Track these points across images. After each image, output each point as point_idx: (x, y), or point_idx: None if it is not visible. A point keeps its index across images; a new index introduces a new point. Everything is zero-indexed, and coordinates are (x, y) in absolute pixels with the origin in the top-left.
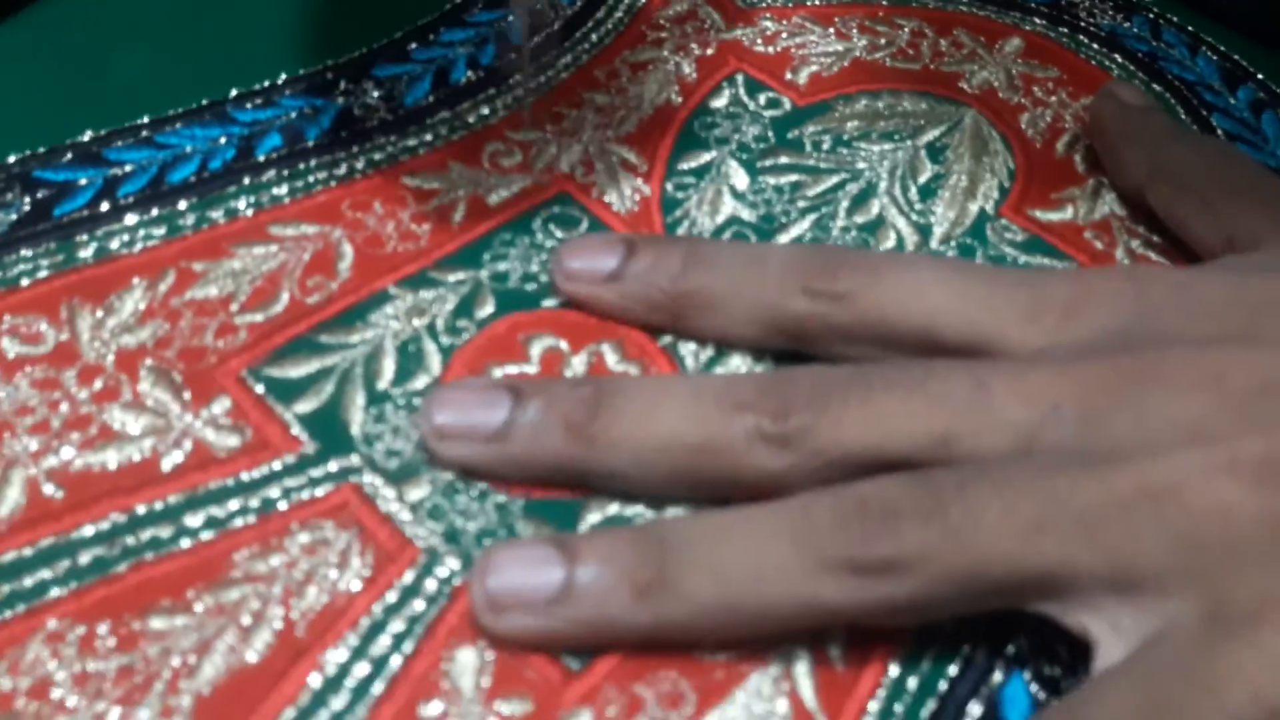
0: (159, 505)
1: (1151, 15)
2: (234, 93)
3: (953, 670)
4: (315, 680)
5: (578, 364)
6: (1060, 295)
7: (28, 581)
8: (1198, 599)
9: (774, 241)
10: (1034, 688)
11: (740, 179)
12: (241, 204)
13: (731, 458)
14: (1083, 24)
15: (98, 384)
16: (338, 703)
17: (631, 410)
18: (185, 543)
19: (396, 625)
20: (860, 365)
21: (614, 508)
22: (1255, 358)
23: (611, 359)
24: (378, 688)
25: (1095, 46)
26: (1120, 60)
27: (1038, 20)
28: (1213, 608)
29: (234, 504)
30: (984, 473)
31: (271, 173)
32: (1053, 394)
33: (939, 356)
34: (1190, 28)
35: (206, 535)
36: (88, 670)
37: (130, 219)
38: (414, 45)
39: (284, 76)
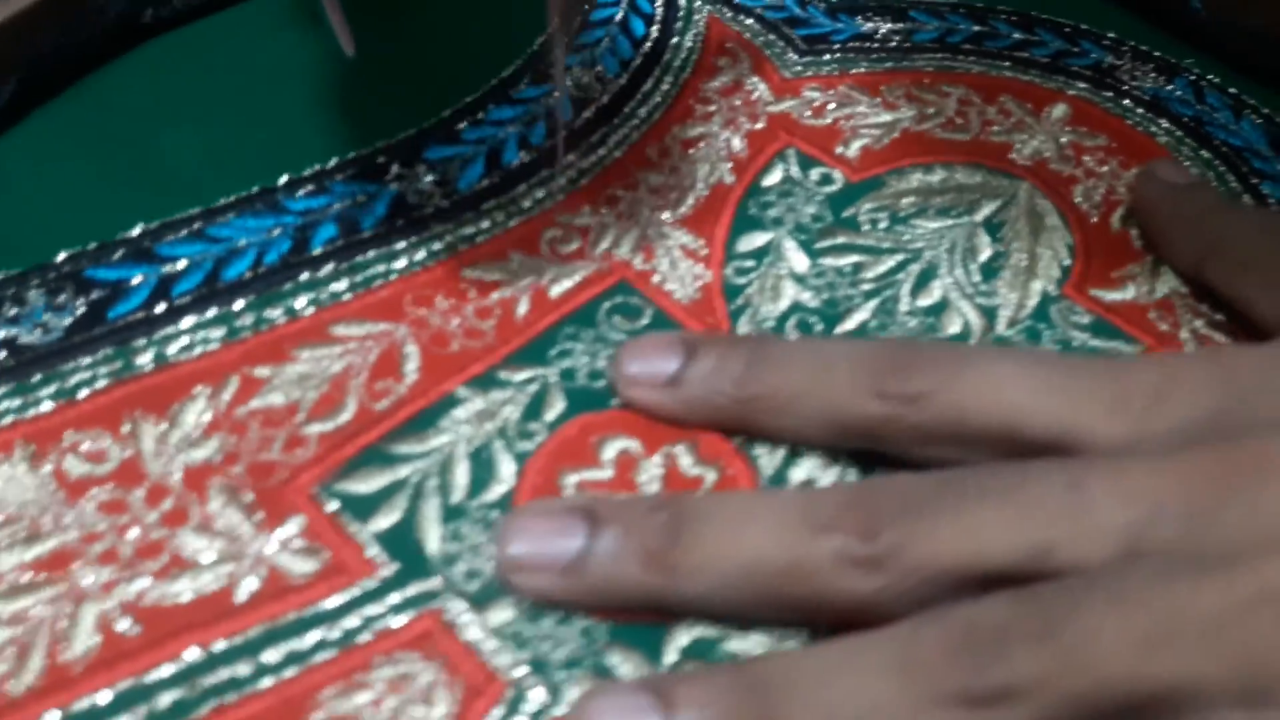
0: (237, 640)
1: (1193, 77)
2: (284, 179)
3: None
4: None
5: (652, 467)
6: (1144, 384)
7: None
8: None
9: (838, 334)
10: None
11: (800, 261)
12: (300, 302)
13: (819, 581)
14: (1125, 88)
15: (167, 504)
16: None
17: (712, 536)
18: (266, 681)
19: None
20: (947, 473)
21: (700, 629)
22: None
23: (685, 461)
24: None
25: (1140, 112)
26: (1166, 126)
27: (1081, 84)
28: None
29: (314, 636)
30: (1094, 586)
31: (329, 266)
32: (1154, 492)
33: (1023, 454)
34: (1232, 90)
35: (288, 672)
36: None
37: (187, 321)
38: (463, 125)
39: (335, 160)
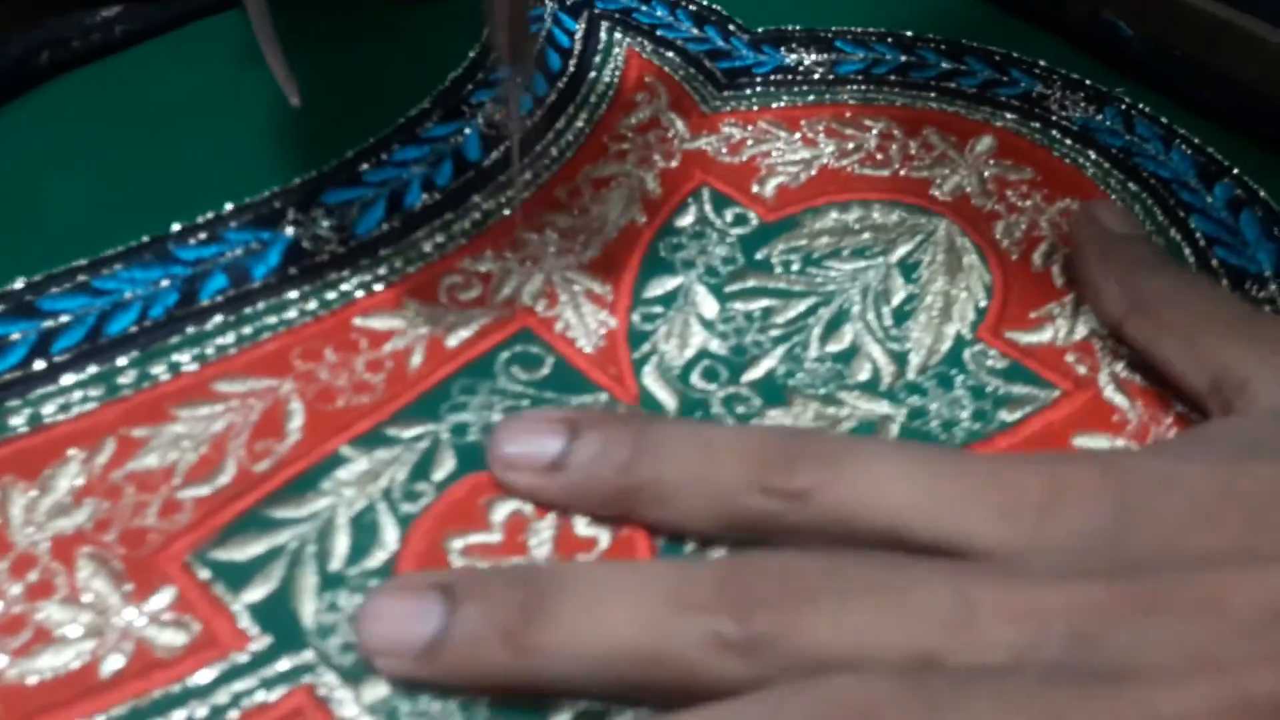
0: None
1: (1124, 106)
2: (176, 227)
3: None
4: None
5: (544, 529)
6: (1034, 493)
7: None
8: None
9: (741, 381)
10: None
11: (709, 306)
12: (185, 357)
13: (684, 666)
14: (1054, 118)
15: (32, 576)
16: None
17: (570, 614)
18: None
19: None
20: (833, 557)
21: (584, 703)
22: (1257, 579)
23: (579, 524)
24: None
25: (1069, 143)
26: (1094, 157)
27: (1009, 115)
28: None
29: (180, 715)
30: (980, 680)
31: (217, 318)
32: (1044, 613)
33: (910, 552)
34: (1163, 119)
35: None
36: None
37: (66, 379)
38: (366, 166)
39: (229, 206)
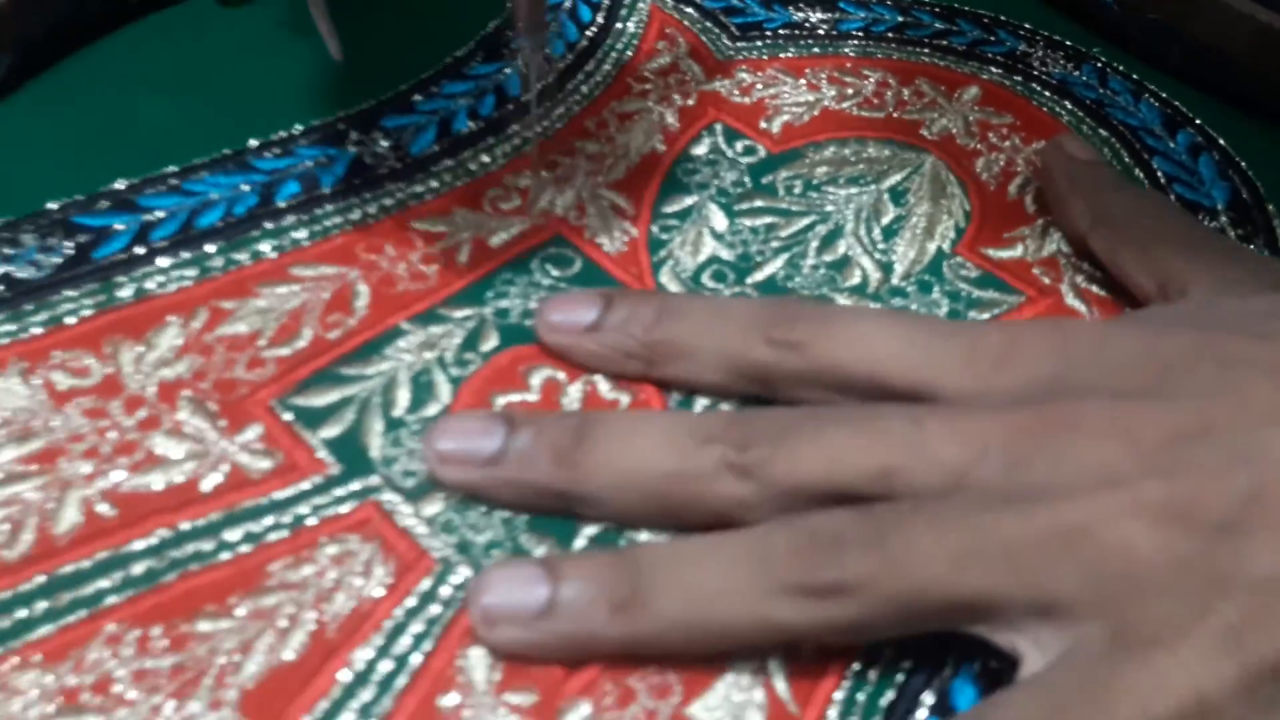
0: (201, 522)
1: (1099, 65)
2: (253, 143)
3: (908, 664)
4: (345, 676)
5: (574, 392)
6: (993, 346)
7: (87, 590)
8: (1104, 623)
9: (749, 284)
10: (981, 682)
11: (719, 221)
12: (265, 247)
13: (699, 485)
14: (1036, 73)
15: (141, 413)
16: (366, 695)
17: (611, 440)
18: (225, 555)
19: (416, 627)
20: (816, 407)
21: (606, 524)
22: (1161, 412)
23: (604, 387)
24: (400, 681)
25: (1047, 94)
26: (1070, 107)
27: (994, 69)
28: (1116, 631)
29: (268, 520)
30: (919, 508)
31: (291, 218)
32: (982, 437)
33: (888, 401)
34: (1135, 76)
35: (244, 549)
36: (145, 668)
37: (163, 261)
38: (418, 97)
39: (299, 127)
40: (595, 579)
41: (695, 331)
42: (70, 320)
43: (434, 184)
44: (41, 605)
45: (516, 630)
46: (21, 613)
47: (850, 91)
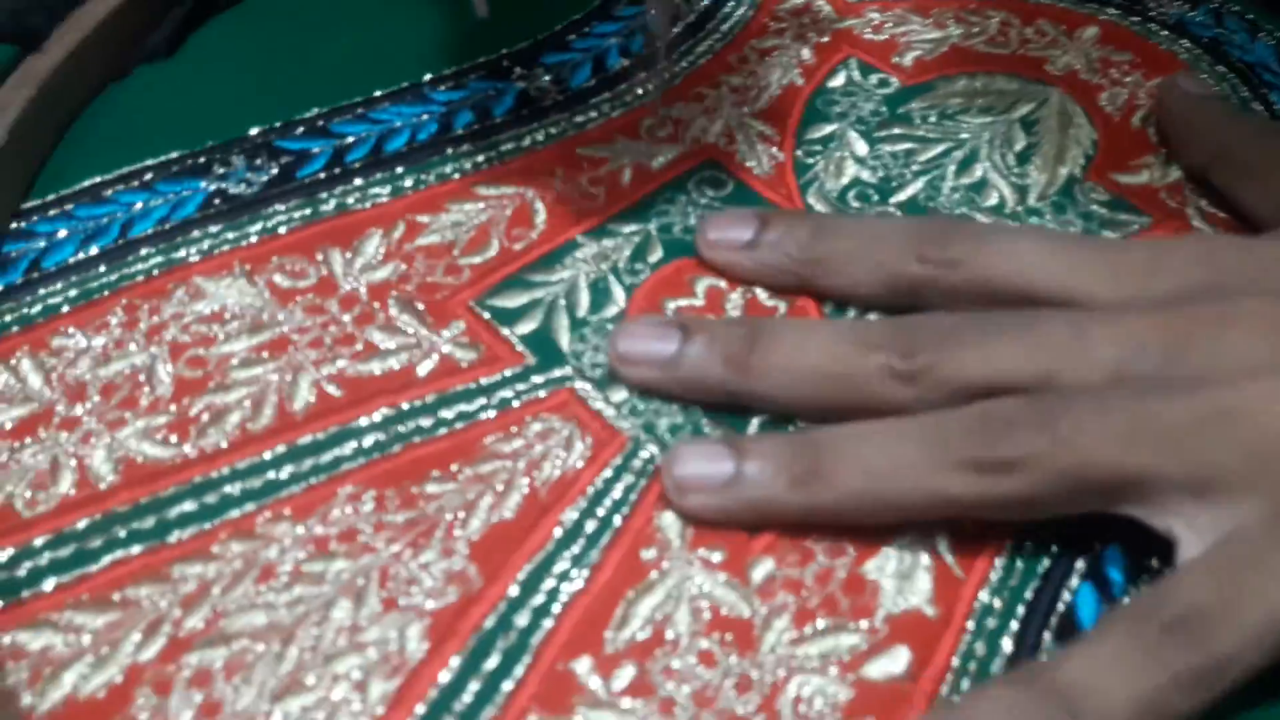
0: (419, 402)
1: (1215, 5)
2: (428, 76)
3: (1063, 539)
4: (558, 532)
5: (735, 299)
6: (1141, 257)
7: (325, 458)
8: (1262, 502)
9: (891, 204)
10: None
11: (860, 147)
12: (449, 169)
13: (864, 388)
14: (1152, 14)
15: (356, 310)
16: (576, 547)
17: (781, 345)
18: (442, 431)
19: (615, 493)
20: (974, 314)
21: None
22: None
23: (763, 295)
24: (606, 538)
25: (1164, 33)
26: (1187, 45)
27: (1111, 10)
28: (1276, 510)
29: (479, 401)
30: (1086, 395)
31: (469, 145)
32: (1140, 335)
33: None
34: (1250, 16)
35: (459, 425)
36: (383, 521)
37: (358, 181)
38: (573, 36)
39: (467, 64)
40: (776, 455)
41: (850, 249)
42: (282, 230)
43: (593, 114)
44: (287, 469)
45: (705, 498)
46: (270, 474)
47: (975, 30)
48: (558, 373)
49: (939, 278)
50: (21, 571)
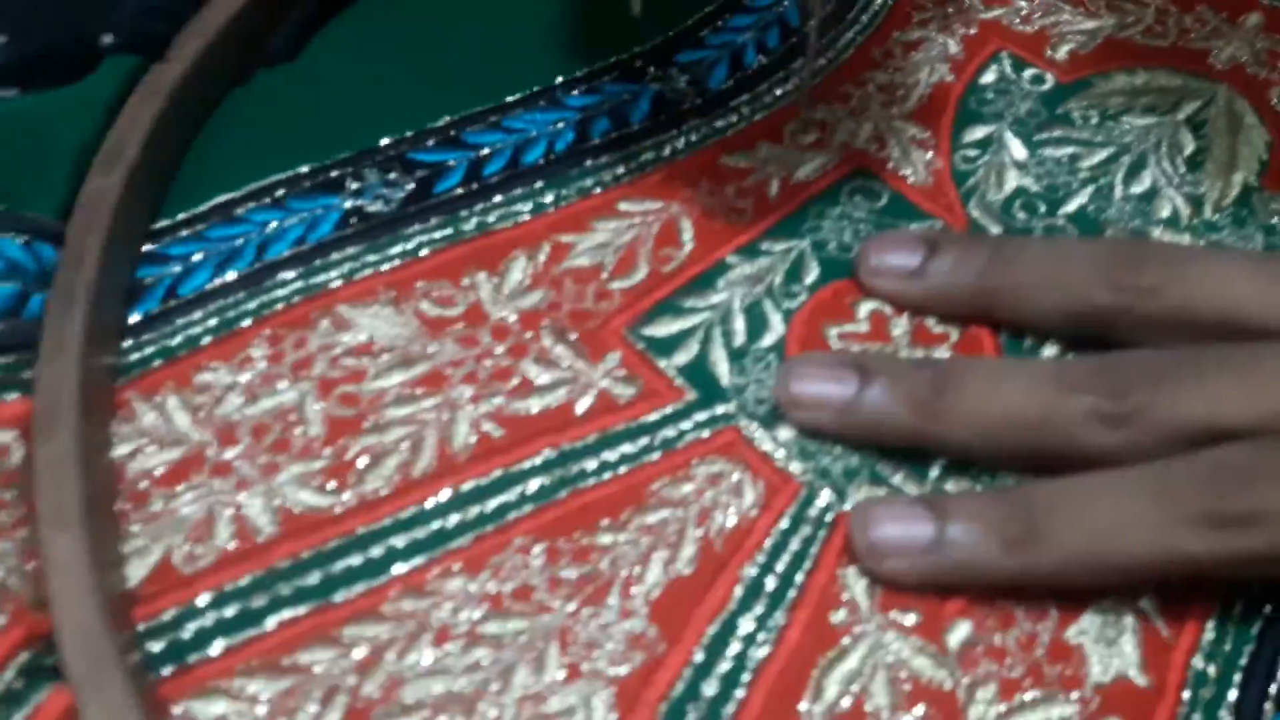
0: (579, 444)
1: None
2: (559, 79)
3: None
4: (738, 590)
5: (901, 324)
6: None
7: (491, 504)
8: None
9: (1060, 215)
10: None
11: (1019, 151)
12: (589, 182)
13: (1067, 434)
14: None
15: (509, 341)
16: (760, 608)
17: (974, 389)
18: (607, 475)
19: (794, 545)
20: (1184, 349)
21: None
22: None
23: (930, 322)
24: (790, 595)
25: None
26: None
27: None
28: None
29: (642, 441)
30: None
31: (607, 156)
32: None
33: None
34: None
35: (623, 469)
36: (557, 576)
37: (498, 197)
38: (706, 31)
39: (598, 64)
40: (984, 516)
41: (1032, 276)
42: (424, 252)
43: (733, 118)
44: (454, 518)
45: (905, 562)
46: (435, 524)
47: (1130, 19)
48: (720, 409)
49: (1134, 306)
50: (187, 634)
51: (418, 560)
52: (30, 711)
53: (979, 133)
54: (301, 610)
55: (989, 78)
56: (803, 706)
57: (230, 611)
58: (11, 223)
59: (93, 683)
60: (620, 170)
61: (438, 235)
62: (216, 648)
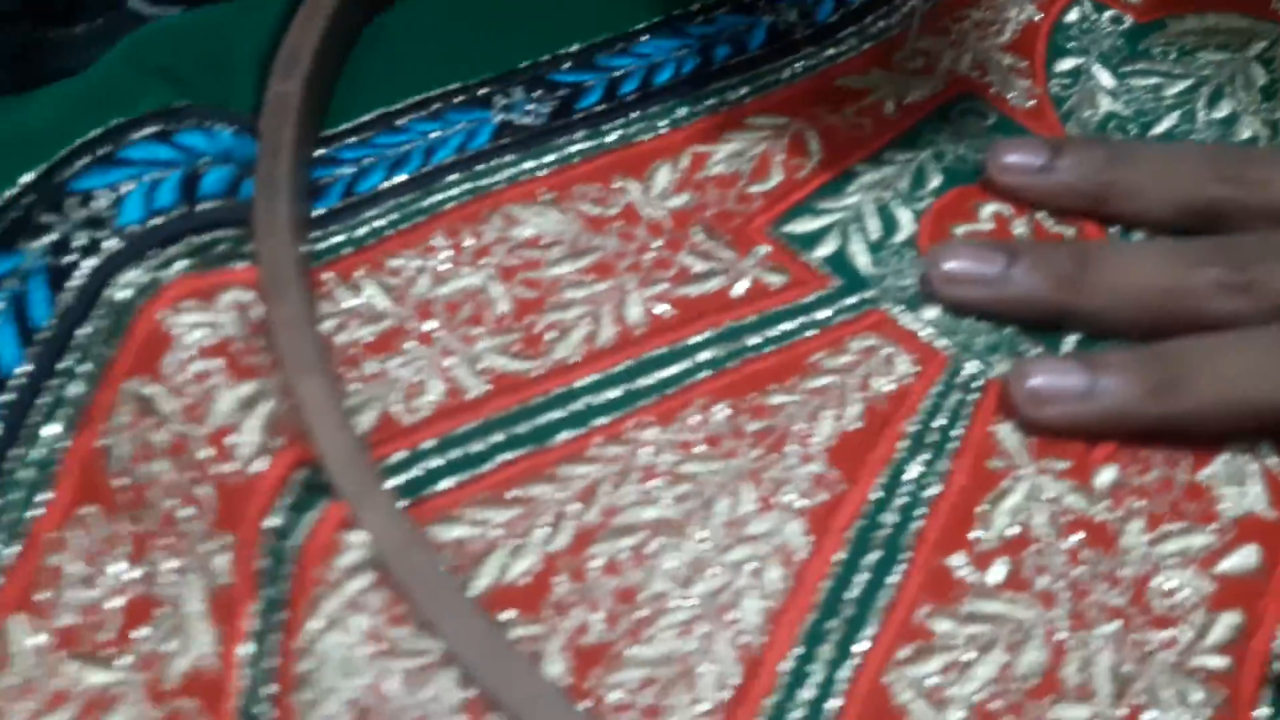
0: (742, 321)
1: None
2: (678, 11)
3: None
4: (902, 443)
5: (1020, 225)
6: None
7: (670, 371)
8: None
9: (1147, 137)
10: None
11: (1108, 80)
12: (716, 101)
13: (1196, 302)
14: None
15: (665, 237)
16: (926, 455)
17: (1113, 264)
18: (770, 348)
19: (949, 406)
20: None
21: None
22: None
23: (1048, 222)
24: (952, 445)
25: None
26: None
27: None
28: None
29: (799, 320)
30: None
31: (731, 78)
32: None
33: None
34: None
35: (785, 343)
36: (741, 428)
37: (635, 113)
38: None
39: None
40: (1130, 368)
41: (1147, 172)
42: (576, 160)
43: (844, 48)
44: (640, 381)
45: (1061, 408)
46: (625, 386)
47: None
48: (864, 295)
49: (1241, 198)
50: (418, 471)
51: (615, 414)
52: (319, 515)
53: (1069, 64)
54: (518, 453)
55: (1072, 16)
56: (974, 534)
57: (454, 454)
58: (221, 115)
59: (361, 498)
60: (744, 91)
61: (584, 146)
62: (445, 484)
